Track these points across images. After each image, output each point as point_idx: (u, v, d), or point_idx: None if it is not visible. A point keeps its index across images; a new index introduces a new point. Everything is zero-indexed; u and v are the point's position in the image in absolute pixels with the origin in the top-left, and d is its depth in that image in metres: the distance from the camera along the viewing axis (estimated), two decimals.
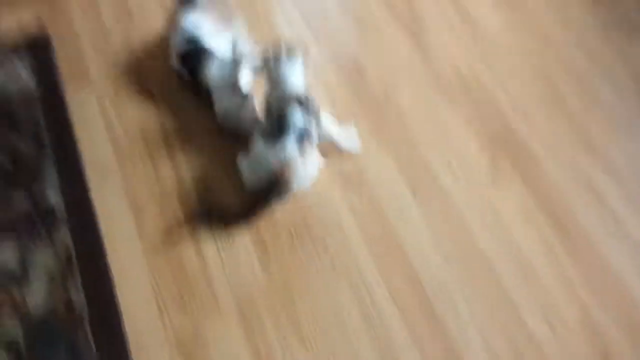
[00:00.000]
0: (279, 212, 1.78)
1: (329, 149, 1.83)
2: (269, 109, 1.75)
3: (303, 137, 1.67)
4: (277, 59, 1.75)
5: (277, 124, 1.67)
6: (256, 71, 1.83)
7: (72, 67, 2.07)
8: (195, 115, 1.95)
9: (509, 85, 2.00)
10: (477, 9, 2.18)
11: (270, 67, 1.75)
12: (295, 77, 1.72)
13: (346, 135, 1.86)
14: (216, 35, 2.00)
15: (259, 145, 1.70)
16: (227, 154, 1.85)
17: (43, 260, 1.71)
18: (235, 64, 1.85)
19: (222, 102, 1.91)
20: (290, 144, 1.64)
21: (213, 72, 1.90)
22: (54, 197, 1.82)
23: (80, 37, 2.14)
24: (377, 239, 1.75)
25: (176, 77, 2.01)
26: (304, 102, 1.68)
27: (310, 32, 2.13)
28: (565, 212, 1.79)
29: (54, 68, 2.05)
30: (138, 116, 1.96)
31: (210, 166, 1.86)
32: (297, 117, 1.65)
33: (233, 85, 1.84)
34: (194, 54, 1.95)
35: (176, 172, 1.85)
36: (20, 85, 2.02)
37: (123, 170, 1.87)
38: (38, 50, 2.10)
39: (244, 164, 1.77)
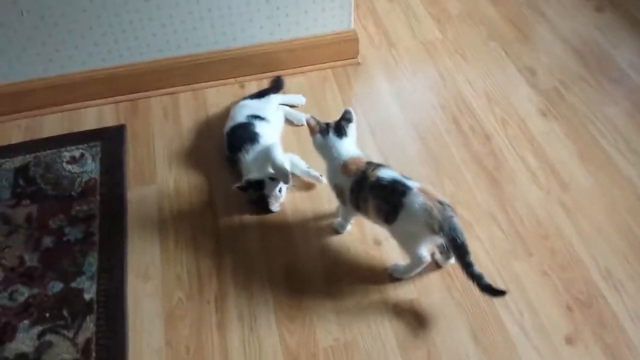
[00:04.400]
0: None
1: None
2: None
3: None
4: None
5: None
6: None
7: (140, 163, 2.07)
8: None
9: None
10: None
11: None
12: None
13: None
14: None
15: None
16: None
17: (61, 350, 1.61)
18: (274, 178, 1.86)
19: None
20: None
21: (249, 158, 1.91)
22: (88, 288, 1.74)
23: (154, 136, 2.17)
24: None
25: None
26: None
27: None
28: None
29: (122, 161, 2.06)
30: (192, 221, 1.91)
31: (255, 281, 1.75)
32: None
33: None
34: (239, 133, 1.98)
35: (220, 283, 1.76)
36: (84, 172, 2.03)
37: (165, 274, 1.78)
38: (110, 142, 2.13)
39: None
